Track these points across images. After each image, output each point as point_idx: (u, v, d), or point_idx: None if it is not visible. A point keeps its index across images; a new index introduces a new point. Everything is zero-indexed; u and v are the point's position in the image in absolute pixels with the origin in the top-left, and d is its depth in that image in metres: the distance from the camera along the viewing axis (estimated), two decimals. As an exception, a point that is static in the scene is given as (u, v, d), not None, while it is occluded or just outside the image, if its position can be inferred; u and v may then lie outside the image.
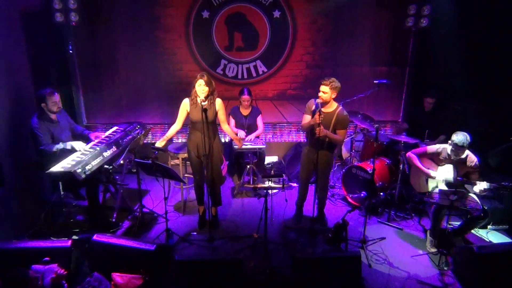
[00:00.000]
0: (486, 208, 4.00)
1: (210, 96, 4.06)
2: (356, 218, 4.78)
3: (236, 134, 4.99)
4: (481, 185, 3.82)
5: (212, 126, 4.16)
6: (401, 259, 4.07)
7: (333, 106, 4.19)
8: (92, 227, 4.32)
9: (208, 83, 3.99)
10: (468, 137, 3.85)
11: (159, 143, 4.17)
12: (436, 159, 4.20)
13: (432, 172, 4.15)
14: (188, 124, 4.28)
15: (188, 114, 4.19)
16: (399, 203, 4.92)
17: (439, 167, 4.15)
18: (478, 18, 5.28)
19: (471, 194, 3.96)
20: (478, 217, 4.00)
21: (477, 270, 3.45)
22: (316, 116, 3.98)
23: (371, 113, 5.71)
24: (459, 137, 3.86)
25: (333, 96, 4.11)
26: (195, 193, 4.58)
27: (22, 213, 4.41)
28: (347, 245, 4.10)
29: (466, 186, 4.01)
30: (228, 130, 4.48)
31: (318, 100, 4.07)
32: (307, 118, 4.25)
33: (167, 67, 6.05)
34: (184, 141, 6.07)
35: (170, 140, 6.28)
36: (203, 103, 3.98)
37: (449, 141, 3.97)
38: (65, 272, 2.96)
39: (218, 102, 4.16)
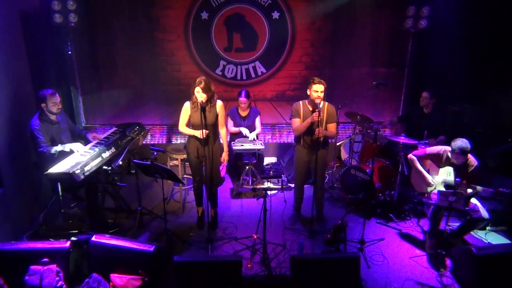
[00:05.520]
0: (487, 213, 3.98)
1: (210, 99, 4.06)
2: (355, 219, 4.78)
3: (240, 131, 5.32)
4: (478, 189, 3.81)
5: (213, 128, 4.16)
6: (399, 260, 4.08)
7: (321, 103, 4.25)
8: (91, 228, 4.31)
9: (205, 90, 3.94)
10: (468, 144, 3.77)
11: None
12: (437, 161, 4.19)
13: (431, 178, 4.13)
14: (189, 126, 4.27)
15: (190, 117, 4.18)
16: (397, 204, 4.92)
17: (440, 168, 4.14)
18: (477, 19, 5.29)
19: (470, 195, 3.96)
20: (477, 219, 3.99)
21: (475, 272, 3.46)
22: (315, 114, 4.04)
23: (370, 114, 5.71)
24: (458, 143, 3.79)
25: None
26: (194, 194, 4.58)
27: (21, 214, 4.41)
28: (346, 246, 4.11)
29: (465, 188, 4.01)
30: (223, 135, 4.41)
31: (318, 100, 4.10)
32: (298, 122, 4.30)
33: (165, 68, 6.04)
34: (183, 142, 6.07)
35: (169, 141, 6.34)
36: (203, 106, 3.96)
37: (449, 148, 3.94)
38: None
39: (219, 105, 4.16)
